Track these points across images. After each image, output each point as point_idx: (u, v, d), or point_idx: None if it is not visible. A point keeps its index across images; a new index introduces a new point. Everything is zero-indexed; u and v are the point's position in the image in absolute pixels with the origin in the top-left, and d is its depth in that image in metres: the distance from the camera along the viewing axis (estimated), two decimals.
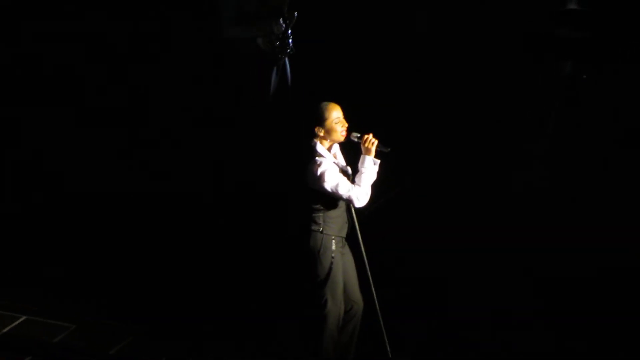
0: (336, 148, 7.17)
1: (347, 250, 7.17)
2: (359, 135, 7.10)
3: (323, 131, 6.94)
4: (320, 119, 6.94)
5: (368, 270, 7.29)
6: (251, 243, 8.94)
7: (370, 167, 7.07)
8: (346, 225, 7.13)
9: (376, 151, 7.17)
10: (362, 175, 7.05)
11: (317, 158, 6.89)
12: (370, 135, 7.08)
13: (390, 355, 7.32)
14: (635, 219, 8.96)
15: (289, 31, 9.91)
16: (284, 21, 9.81)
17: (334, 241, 7.01)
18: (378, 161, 7.09)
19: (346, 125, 7.08)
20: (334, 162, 7.01)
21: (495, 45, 10.54)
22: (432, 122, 10.43)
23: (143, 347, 7.68)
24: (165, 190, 9.86)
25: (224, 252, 8.91)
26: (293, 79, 10.11)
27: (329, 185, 6.88)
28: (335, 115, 6.97)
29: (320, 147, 6.95)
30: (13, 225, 9.50)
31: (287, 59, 9.99)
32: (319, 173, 6.85)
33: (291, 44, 9.90)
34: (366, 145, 7.09)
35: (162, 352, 7.57)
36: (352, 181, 7.05)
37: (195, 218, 9.42)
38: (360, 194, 6.98)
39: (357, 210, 7.14)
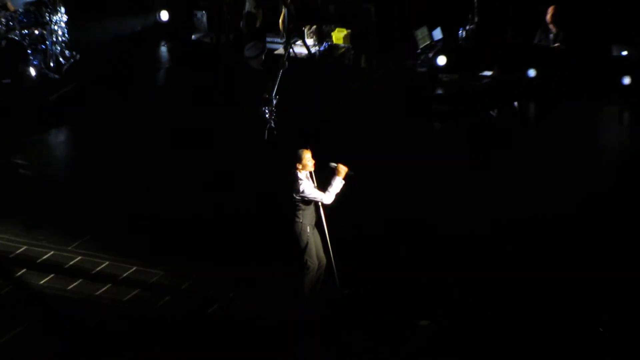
0: (308, 174, 11.11)
1: (316, 231, 11.18)
2: (334, 165, 10.98)
3: (301, 166, 11.05)
4: (299, 159, 11.09)
5: (328, 240, 11.32)
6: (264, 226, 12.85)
7: (338, 184, 11.02)
8: (315, 217, 11.16)
9: (346, 174, 10.96)
10: (332, 188, 11.00)
11: (299, 180, 10.95)
12: (341, 165, 11.00)
13: (339, 285, 11.46)
14: None
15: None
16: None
17: (308, 227, 11.09)
18: (343, 182, 11.03)
19: (313, 161, 11.04)
20: (309, 182, 11.09)
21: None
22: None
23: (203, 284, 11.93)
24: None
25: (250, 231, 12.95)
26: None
27: (307, 194, 10.95)
28: (307, 156, 11.08)
29: (300, 174, 10.98)
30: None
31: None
32: (301, 189, 10.96)
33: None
34: (339, 170, 11.02)
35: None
36: (319, 189, 10.96)
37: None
38: (328, 198, 11.03)
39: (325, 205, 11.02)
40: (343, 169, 11.14)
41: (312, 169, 11.21)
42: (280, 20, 17.78)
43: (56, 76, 17.52)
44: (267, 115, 15.03)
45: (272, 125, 15.05)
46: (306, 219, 11.28)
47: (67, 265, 12.41)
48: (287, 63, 15.51)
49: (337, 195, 11.21)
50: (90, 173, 15.06)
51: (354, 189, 11.66)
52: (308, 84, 15.67)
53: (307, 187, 11.11)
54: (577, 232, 12.93)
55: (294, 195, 11.09)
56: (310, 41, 18.26)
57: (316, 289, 11.47)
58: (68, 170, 15.55)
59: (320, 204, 11.21)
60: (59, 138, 16.62)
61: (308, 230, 11.24)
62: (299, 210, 11.21)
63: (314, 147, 11.37)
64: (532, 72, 16.96)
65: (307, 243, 11.25)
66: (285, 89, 15.25)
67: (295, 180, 11.09)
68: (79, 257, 12.58)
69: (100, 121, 16.53)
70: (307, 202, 11.19)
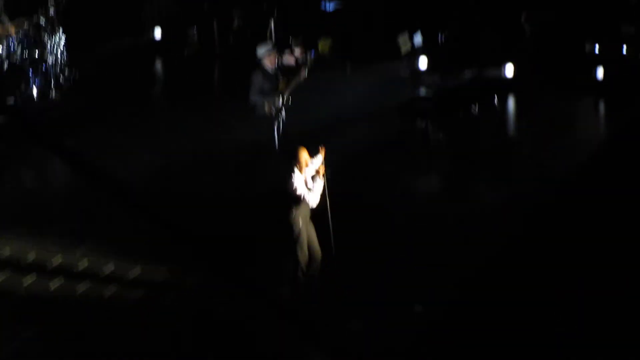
0: (308, 172, 11.74)
1: (311, 225, 11.78)
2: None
3: (298, 164, 11.62)
4: (295, 158, 11.71)
5: (331, 235, 11.98)
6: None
7: (318, 185, 11.72)
8: (309, 210, 11.69)
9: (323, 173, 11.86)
10: (313, 188, 11.76)
11: (292, 177, 11.57)
12: (321, 166, 11.88)
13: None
14: None
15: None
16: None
17: (300, 219, 11.64)
18: (321, 182, 11.80)
19: (310, 159, 11.69)
20: (304, 179, 11.68)
21: None
22: None
23: None
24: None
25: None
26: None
27: (294, 190, 11.55)
28: (303, 155, 11.68)
29: (297, 171, 11.57)
30: None
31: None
32: (290, 185, 11.58)
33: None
34: (317, 171, 11.77)
35: None
36: (309, 189, 11.60)
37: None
38: (312, 198, 11.70)
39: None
40: (321, 169, 11.85)
41: (308, 166, 11.76)
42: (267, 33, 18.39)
43: (56, 95, 18.27)
44: (273, 115, 15.57)
45: (281, 125, 15.66)
46: (300, 211, 11.84)
47: (75, 270, 12.79)
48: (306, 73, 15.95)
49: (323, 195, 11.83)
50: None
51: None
52: (300, 90, 16.14)
53: (296, 184, 11.70)
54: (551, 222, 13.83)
55: (288, 190, 11.68)
56: (297, 50, 18.92)
57: (314, 280, 12.02)
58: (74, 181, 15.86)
59: (327, 200, 11.89)
60: None
61: (300, 223, 11.82)
62: (293, 203, 11.81)
63: (312, 148, 12.02)
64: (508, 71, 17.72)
65: (299, 235, 11.86)
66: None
67: (290, 176, 11.69)
68: (86, 260, 12.98)
69: (100, 136, 17.22)
70: (300, 197, 11.74)
